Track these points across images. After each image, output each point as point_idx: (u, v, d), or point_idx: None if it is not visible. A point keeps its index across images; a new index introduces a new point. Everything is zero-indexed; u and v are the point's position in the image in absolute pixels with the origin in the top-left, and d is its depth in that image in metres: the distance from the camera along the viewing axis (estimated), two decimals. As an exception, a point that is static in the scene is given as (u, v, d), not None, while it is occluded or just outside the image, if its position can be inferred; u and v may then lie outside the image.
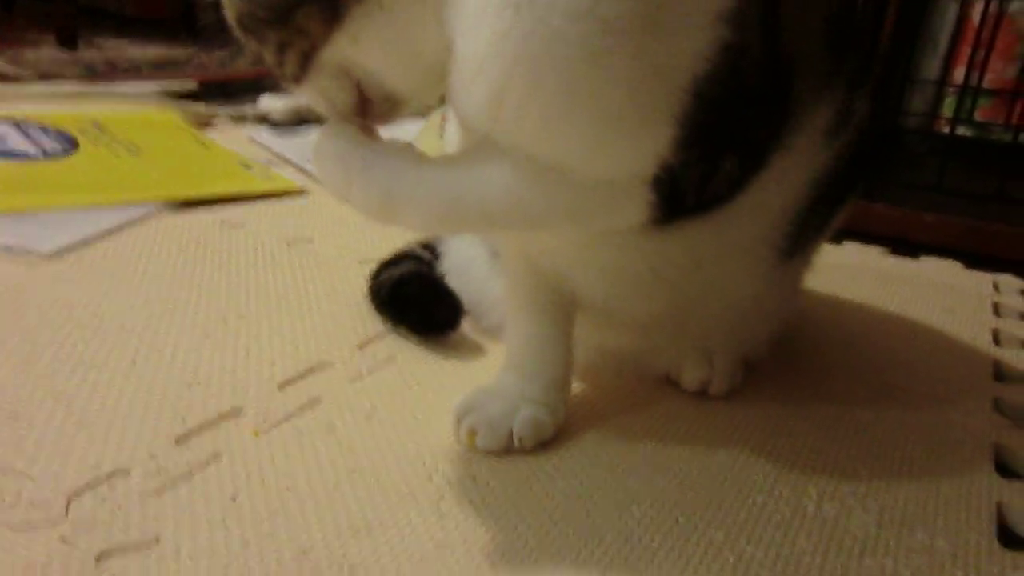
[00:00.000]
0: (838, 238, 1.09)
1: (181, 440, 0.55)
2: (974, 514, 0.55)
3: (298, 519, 0.49)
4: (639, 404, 0.66)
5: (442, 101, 0.51)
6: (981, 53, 1.66)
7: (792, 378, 0.72)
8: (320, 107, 0.51)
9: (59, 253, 0.82)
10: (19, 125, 1.14)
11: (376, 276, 0.78)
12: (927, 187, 1.26)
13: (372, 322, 0.75)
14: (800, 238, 0.59)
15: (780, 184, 0.54)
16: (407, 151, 0.49)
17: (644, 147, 0.44)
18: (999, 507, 0.56)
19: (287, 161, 1.25)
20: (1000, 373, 0.77)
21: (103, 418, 0.57)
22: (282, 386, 0.63)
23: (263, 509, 0.49)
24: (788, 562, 0.49)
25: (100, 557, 0.44)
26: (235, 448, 0.55)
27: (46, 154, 1.07)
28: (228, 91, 1.81)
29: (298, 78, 0.49)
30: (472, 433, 0.56)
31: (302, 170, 1.21)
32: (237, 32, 0.49)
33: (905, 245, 1.13)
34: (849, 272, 1.00)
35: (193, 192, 1.02)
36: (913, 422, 0.66)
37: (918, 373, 0.76)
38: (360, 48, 0.47)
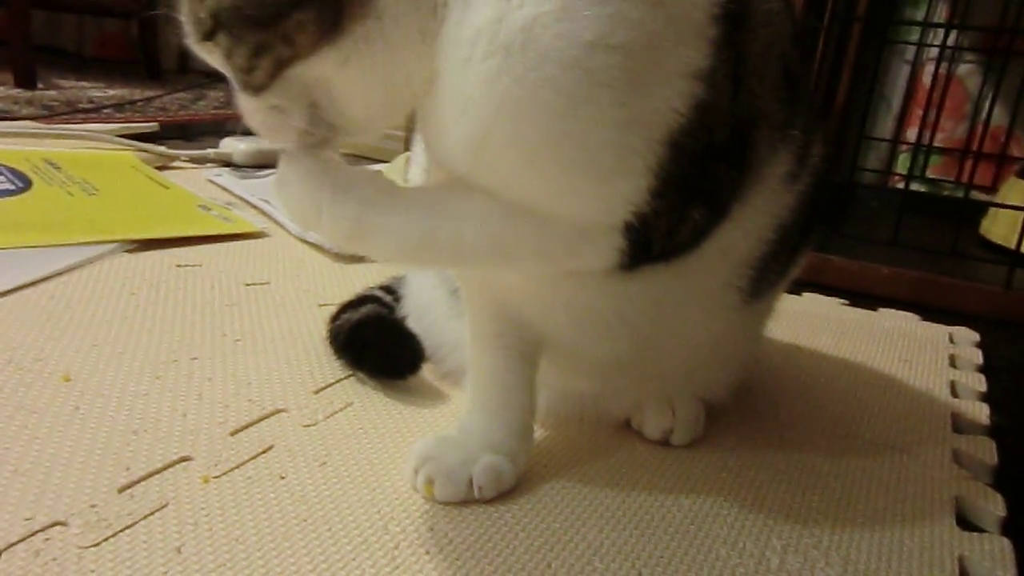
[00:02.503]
0: (797, 288, 1.10)
1: (124, 489, 0.53)
2: (936, 568, 0.55)
3: (245, 571, 0.46)
4: (600, 451, 0.64)
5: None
6: (932, 113, 1.73)
7: (754, 426, 0.72)
8: (260, 125, 0.48)
9: (3, 295, 0.79)
10: (-29, 162, 1.11)
11: (335, 319, 0.77)
12: (882, 241, 1.30)
13: (330, 366, 0.73)
14: (761, 282, 0.60)
15: (742, 231, 0.54)
16: (378, 179, 0.48)
17: (620, 194, 0.45)
18: (960, 561, 0.56)
19: (248, 203, 1.24)
20: (958, 425, 0.77)
21: (40, 467, 0.54)
22: (234, 432, 0.61)
23: (210, 561, 0.47)
24: (753, 617, 0.48)
25: (29, 615, 0.42)
26: (182, 497, 0.53)
27: (-3, 192, 1.04)
28: (189, 133, 1.80)
29: (261, 88, 0.46)
30: (430, 482, 0.55)
31: (263, 212, 1.20)
32: (201, 27, 0.45)
33: (862, 297, 1.15)
34: (809, 321, 1.01)
35: (150, 233, 1.00)
36: (874, 472, 0.66)
37: (878, 422, 0.76)
38: (345, 70, 0.45)
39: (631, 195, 0.45)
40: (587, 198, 0.45)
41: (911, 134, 1.85)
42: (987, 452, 0.71)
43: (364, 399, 0.69)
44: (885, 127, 1.92)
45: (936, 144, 1.84)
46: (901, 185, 1.63)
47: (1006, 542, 0.58)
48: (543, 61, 0.41)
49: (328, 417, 0.65)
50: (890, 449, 0.71)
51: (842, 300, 1.13)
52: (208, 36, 0.45)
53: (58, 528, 0.48)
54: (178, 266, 0.94)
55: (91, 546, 0.47)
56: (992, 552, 0.57)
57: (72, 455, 0.55)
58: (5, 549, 0.46)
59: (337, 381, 0.71)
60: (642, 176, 0.45)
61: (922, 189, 1.87)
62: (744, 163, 0.51)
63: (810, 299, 1.12)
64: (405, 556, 0.50)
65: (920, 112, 1.82)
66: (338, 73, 0.45)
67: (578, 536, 0.54)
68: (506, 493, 0.57)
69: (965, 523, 0.61)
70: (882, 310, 1.11)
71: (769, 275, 0.60)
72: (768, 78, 0.52)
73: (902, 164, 1.90)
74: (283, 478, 0.56)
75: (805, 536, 0.57)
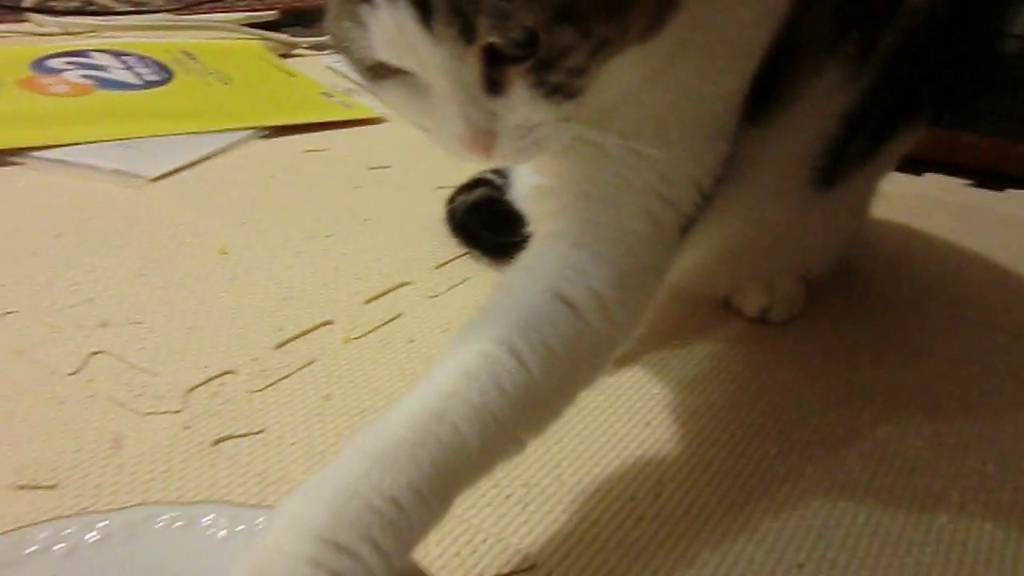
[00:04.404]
0: (917, 168, 1.07)
1: (279, 346, 0.61)
2: (1027, 440, 0.57)
3: (384, 418, 0.54)
4: (699, 327, 0.68)
5: None
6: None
7: (856, 306, 0.74)
8: (538, 140, 0.39)
9: (162, 178, 0.88)
10: (119, 56, 1.21)
11: (451, 201, 0.82)
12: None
13: (448, 244, 0.79)
14: (837, 169, 0.61)
15: (793, 133, 0.55)
16: None
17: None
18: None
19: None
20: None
21: (210, 325, 0.63)
22: (368, 301, 0.68)
23: (354, 407, 0.55)
24: (837, 478, 0.53)
25: (216, 442, 0.51)
26: (327, 354, 0.61)
27: (145, 84, 1.14)
28: (306, 20, 1.85)
29: (579, 93, 0.38)
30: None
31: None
32: (521, 29, 0.34)
33: (993, 177, 1.10)
34: (925, 203, 0.99)
35: (280, 120, 1.07)
36: (974, 353, 0.67)
37: (985, 305, 0.76)
38: (643, 64, 0.41)
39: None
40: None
41: (1066, -2, 1.67)
42: (1099, 336, 0.70)
43: (479, 274, 0.75)
44: (1036, -10, 1.75)
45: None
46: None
47: (1104, 421, 0.59)
48: None
49: (449, 289, 0.72)
50: (996, 331, 0.71)
51: (967, 181, 1.09)
52: (535, 35, 0.35)
53: (229, 375, 0.58)
54: (307, 151, 1.02)
55: (257, 391, 0.56)
56: (1087, 430, 0.58)
57: (234, 317, 0.64)
58: (191, 389, 0.56)
59: (455, 258, 0.77)
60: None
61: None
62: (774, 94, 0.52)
63: (931, 180, 1.08)
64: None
65: (1079, -27, 1.64)
66: (628, 68, 0.41)
67: (676, 400, 0.59)
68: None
69: (1064, 403, 0.62)
70: (1009, 192, 1.07)
71: (846, 161, 0.61)
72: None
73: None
74: (412, 341, 0.63)
75: (897, 409, 0.60)
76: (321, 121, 1.10)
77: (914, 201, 0.98)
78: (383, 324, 0.65)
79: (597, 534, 0.47)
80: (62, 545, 0.39)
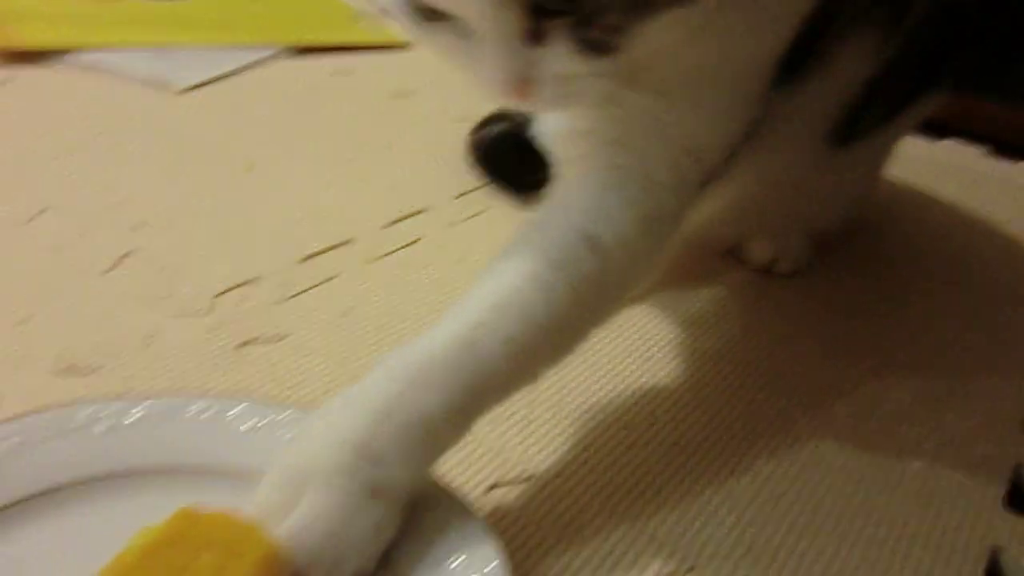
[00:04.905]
0: (936, 133, 1.07)
1: (303, 260, 0.64)
2: (1008, 403, 0.60)
3: (399, 335, 0.57)
4: (705, 273, 0.71)
5: None
6: None
7: (858, 264, 0.76)
8: (570, 93, 0.40)
9: (191, 89, 0.90)
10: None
11: (474, 132, 0.84)
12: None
13: (468, 175, 0.81)
14: (854, 129, 0.62)
15: (824, 90, 0.57)
16: None
17: None
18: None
19: (395, 15, 1.29)
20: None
21: (236, 236, 0.66)
22: (387, 225, 0.71)
23: (372, 324, 0.58)
24: (822, 423, 0.56)
25: (240, 345, 0.54)
26: (348, 273, 0.64)
27: (177, -8, 1.14)
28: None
29: (618, 47, 0.39)
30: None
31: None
32: None
33: (1012, 148, 1.10)
34: (938, 169, 0.99)
35: (310, 39, 1.08)
36: (970, 318, 0.70)
37: (985, 273, 0.78)
38: (682, 25, 0.41)
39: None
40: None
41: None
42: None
43: (499, 208, 0.77)
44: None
45: None
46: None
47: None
48: None
49: (466, 219, 0.74)
50: (992, 300, 0.73)
51: (985, 150, 1.09)
52: None
53: (254, 285, 0.60)
54: (334, 73, 1.03)
55: (280, 301, 0.59)
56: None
57: (260, 230, 0.67)
58: (217, 295, 0.59)
59: (475, 189, 0.79)
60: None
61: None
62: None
63: (948, 146, 1.09)
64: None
65: None
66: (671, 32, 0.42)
67: (676, 339, 0.62)
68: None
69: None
70: (1024, 163, 1.07)
71: (864, 122, 0.62)
72: None
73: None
74: (428, 267, 0.66)
75: (887, 364, 0.62)
76: (350, 43, 1.11)
77: (929, 166, 0.99)
78: (401, 248, 0.68)
79: (591, 455, 0.50)
80: (102, 424, 0.42)
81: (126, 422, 0.43)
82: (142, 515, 0.36)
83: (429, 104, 0.97)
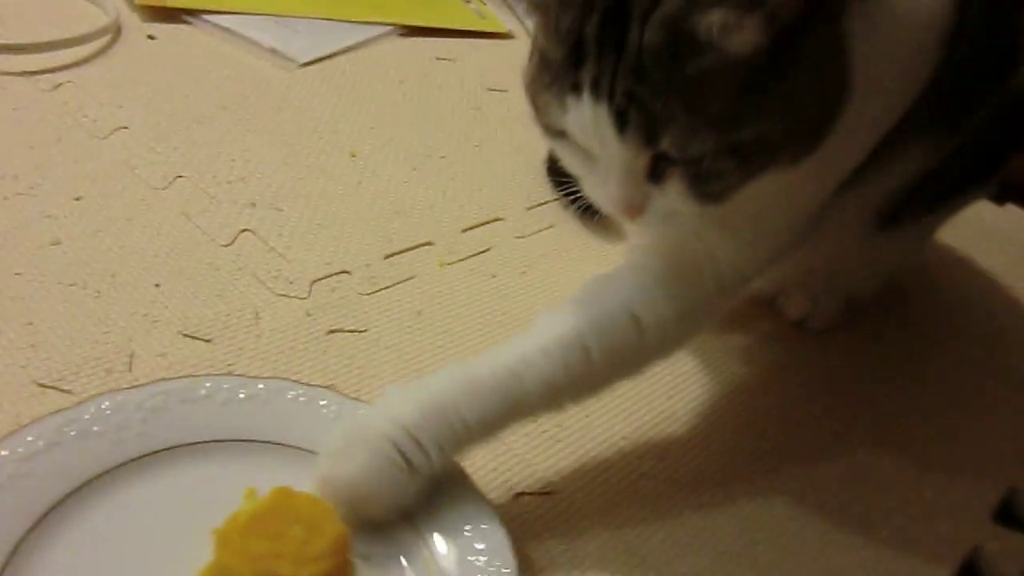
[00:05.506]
0: (1001, 196, 1.09)
1: (388, 257, 0.74)
2: (982, 487, 0.66)
3: (461, 342, 0.67)
4: (739, 319, 0.78)
5: None
6: None
7: (888, 330, 0.81)
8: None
9: (310, 64, 0.99)
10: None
11: (555, 146, 0.91)
12: None
13: (542, 187, 0.89)
14: (898, 216, 0.68)
15: (879, 185, 0.63)
16: None
17: None
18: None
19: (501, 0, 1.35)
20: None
21: (335, 224, 0.76)
22: (465, 230, 0.80)
23: (438, 327, 0.68)
24: (809, 483, 0.63)
25: (329, 332, 0.65)
26: (424, 273, 0.73)
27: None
28: None
29: (727, 199, 0.47)
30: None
31: (513, 11, 1.31)
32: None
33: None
34: (994, 239, 1.02)
35: (419, 20, 1.16)
36: (980, 400, 0.75)
37: (1005, 351, 0.82)
38: (782, 178, 0.49)
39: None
40: None
41: None
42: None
43: (564, 223, 0.85)
44: None
45: None
46: None
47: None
48: None
49: (534, 233, 0.82)
50: (1001, 376, 0.78)
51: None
52: (704, 156, 0.44)
53: (345, 275, 0.71)
54: (437, 59, 1.10)
55: (366, 294, 0.69)
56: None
57: (355, 221, 0.77)
58: (315, 281, 0.69)
59: (546, 202, 0.87)
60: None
61: None
62: None
63: (1010, 212, 1.10)
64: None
65: None
66: None
67: (700, 379, 0.70)
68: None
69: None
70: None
71: (910, 210, 0.68)
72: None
73: None
74: (494, 277, 0.75)
75: (883, 433, 0.69)
76: (454, 28, 1.18)
77: (983, 232, 1.02)
78: (473, 255, 0.77)
79: (608, 477, 0.59)
80: (221, 396, 0.53)
81: (240, 396, 0.54)
82: (245, 479, 0.47)
83: (521, 103, 1.04)
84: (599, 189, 0.47)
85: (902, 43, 0.52)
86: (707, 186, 0.45)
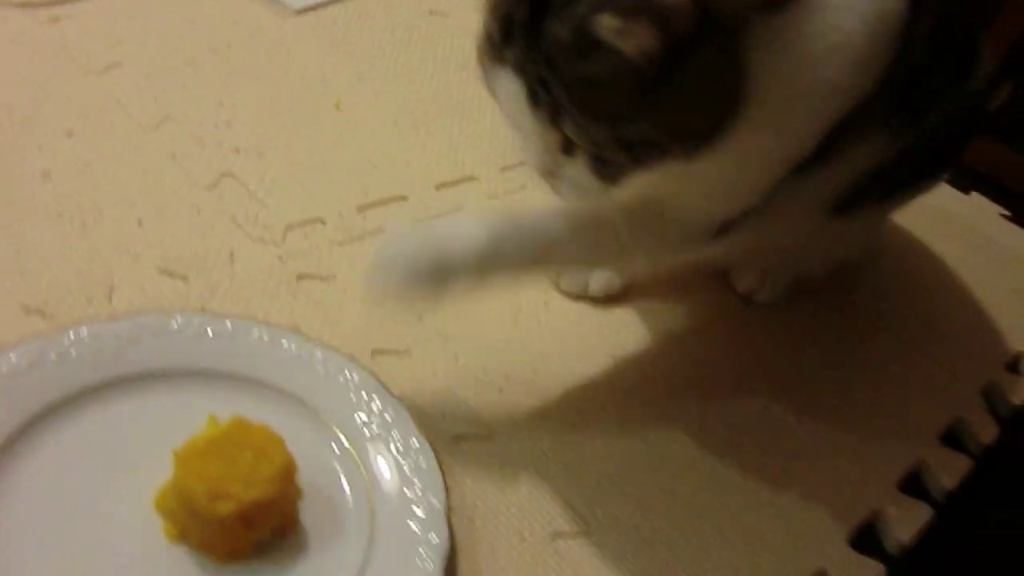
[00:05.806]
0: (966, 184, 1.12)
1: (361, 209, 0.78)
2: (893, 459, 0.72)
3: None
4: (688, 288, 0.82)
5: None
6: None
7: (832, 306, 0.86)
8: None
9: (305, 11, 1.01)
10: None
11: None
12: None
13: (517, 148, 0.92)
14: (852, 204, 0.71)
15: (830, 177, 0.66)
16: None
17: None
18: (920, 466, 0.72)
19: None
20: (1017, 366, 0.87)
21: (313, 174, 0.80)
22: (438, 187, 0.84)
23: (403, 279, 0.72)
24: (733, 448, 0.69)
25: (299, 277, 0.69)
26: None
27: None
28: None
29: (623, 181, 0.53)
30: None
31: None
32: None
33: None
34: (952, 226, 1.05)
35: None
36: (899, 364, 0.81)
37: (946, 344, 0.86)
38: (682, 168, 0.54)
39: None
40: None
41: None
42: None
43: (537, 186, 0.88)
44: None
45: None
46: None
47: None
48: None
49: (506, 193, 0.86)
50: (929, 360, 0.83)
51: (1006, 212, 1.14)
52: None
53: (319, 224, 0.75)
54: (430, 12, 1.12)
55: (338, 243, 0.74)
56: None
57: (334, 172, 0.81)
58: (289, 227, 0.73)
59: (519, 164, 0.90)
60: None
61: None
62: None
63: (974, 201, 1.13)
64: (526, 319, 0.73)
65: None
66: None
67: (644, 341, 0.75)
68: (614, 297, 0.77)
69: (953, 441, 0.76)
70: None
71: (862, 200, 0.71)
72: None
73: None
74: (462, 234, 0.79)
75: (810, 401, 0.75)
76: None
77: (942, 220, 1.04)
78: (446, 213, 0.81)
79: (545, 422, 0.65)
80: (191, 331, 0.58)
81: (208, 333, 0.58)
82: (207, 407, 0.52)
83: (507, 63, 1.07)
84: (526, 151, 0.55)
85: (823, 54, 0.54)
86: (605, 169, 0.51)
